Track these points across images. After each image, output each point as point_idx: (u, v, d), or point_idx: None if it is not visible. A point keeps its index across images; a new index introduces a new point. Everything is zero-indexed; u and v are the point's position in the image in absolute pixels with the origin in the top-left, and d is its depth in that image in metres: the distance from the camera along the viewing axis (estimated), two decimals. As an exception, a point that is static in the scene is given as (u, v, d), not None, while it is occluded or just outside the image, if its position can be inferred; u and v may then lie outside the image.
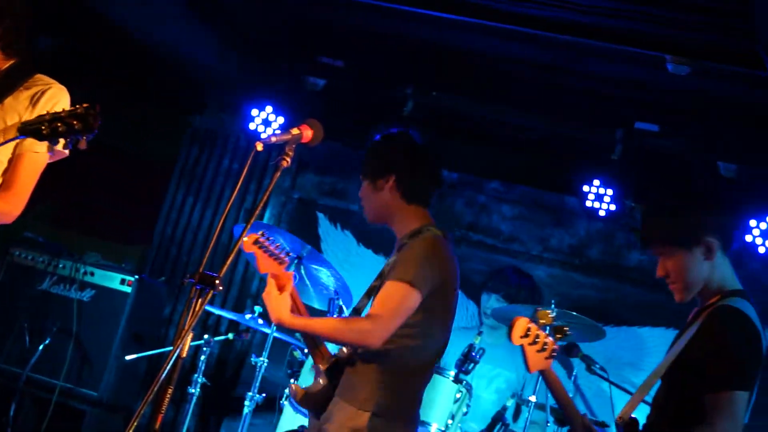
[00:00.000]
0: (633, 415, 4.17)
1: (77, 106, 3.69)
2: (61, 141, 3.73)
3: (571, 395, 6.57)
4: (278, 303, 4.31)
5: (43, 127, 3.68)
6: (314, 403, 4.65)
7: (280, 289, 4.36)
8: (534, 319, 4.42)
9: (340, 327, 4.45)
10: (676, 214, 4.27)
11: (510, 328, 4.42)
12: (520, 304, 7.08)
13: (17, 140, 4.06)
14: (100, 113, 3.70)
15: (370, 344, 4.35)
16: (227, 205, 4.23)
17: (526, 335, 4.35)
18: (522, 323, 4.36)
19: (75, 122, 3.65)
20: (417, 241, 4.57)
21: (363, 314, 4.59)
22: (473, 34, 6.95)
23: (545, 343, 4.36)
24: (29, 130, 3.73)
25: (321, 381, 4.62)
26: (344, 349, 4.59)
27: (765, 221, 7.06)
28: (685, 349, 4.09)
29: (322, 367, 4.63)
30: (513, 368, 7.31)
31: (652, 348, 7.74)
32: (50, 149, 4.26)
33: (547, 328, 4.43)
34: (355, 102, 8.04)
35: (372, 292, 4.63)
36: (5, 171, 4.27)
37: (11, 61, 4.34)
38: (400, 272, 4.46)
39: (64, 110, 3.71)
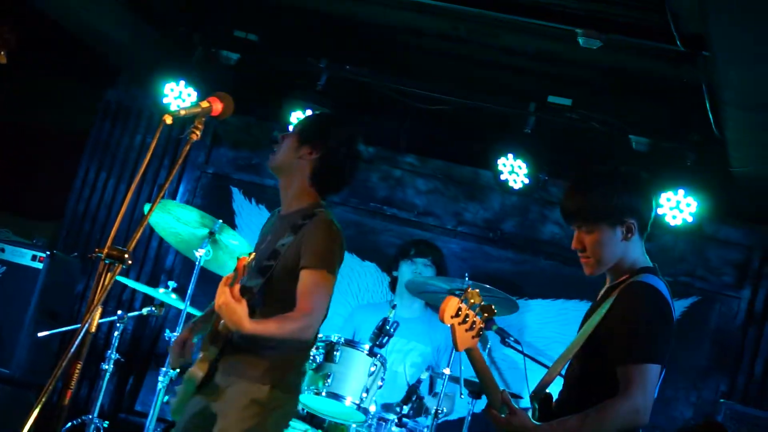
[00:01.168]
0: (547, 391, 4.20)
1: None
2: None
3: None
4: (241, 311, 4.31)
5: None
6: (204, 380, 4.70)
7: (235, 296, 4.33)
8: (464, 299, 4.43)
9: (287, 327, 4.49)
10: (605, 194, 4.29)
11: (442, 307, 4.44)
12: (433, 278, 7.09)
13: None
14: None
15: (307, 338, 4.56)
16: (137, 178, 4.17)
17: (457, 315, 4.35)
18: (453, 303, 4.35)
19: None
20: (319, 224, 4.67)
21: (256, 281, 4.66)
22: (385, 8, 6.95)
23: (473, 322, 4.37)
24: None
25: (207, 358, 4.69)
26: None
27: (675, 193, 7.14)
28: (599, 324, 4.12)
29: (213, 347, 4.67)
30: (428, 341, 7.33)
31: (567, 320, 7.80)
32: None
33: (476, 306, 4.44)
34: (270, 76, 7.99)
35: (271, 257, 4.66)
36: None
37: None
38: (317, 260, 4.59)
39: None
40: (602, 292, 4.32)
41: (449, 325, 4.32)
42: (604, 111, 7.36)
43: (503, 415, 4.24)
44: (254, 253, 4.48)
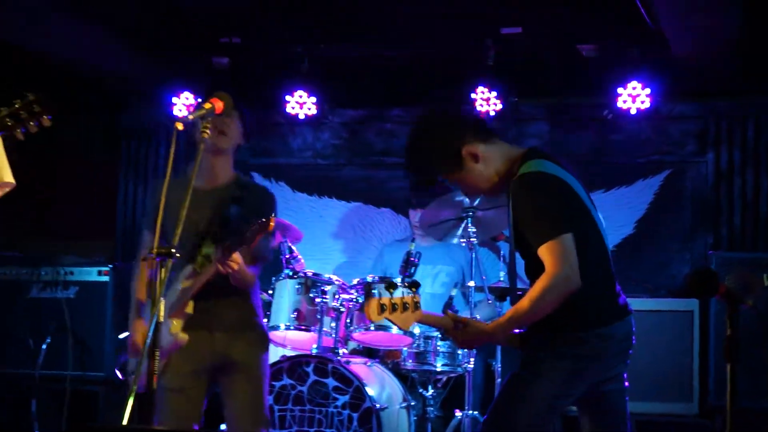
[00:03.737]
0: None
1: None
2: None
3: (504, 275, 6.68)
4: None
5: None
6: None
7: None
8: (380, 293, 4.37)
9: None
10: (429, 156, 4.19)
11: (366, 314, 4.27)
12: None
13: None
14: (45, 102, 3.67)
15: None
16: (165, 182, 4.13)
17: (383, 310, 4.20)
18: (372, 305, 4.14)
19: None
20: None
21: None
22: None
23: (405, 302, 4.21)
24: None
25: None
26: None
27: (626, 86, 7.13)
28: (512, 224, 4.06)
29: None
30: (450, 262, 7.31)
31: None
32: None
33: (400, 290, 4.34)
34: (259, 69, 7.94)
35: None
36: None
37: None
38: None
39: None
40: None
41: (385, 320, 4.14)
42: (551, 30, 7.29)
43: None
44: None
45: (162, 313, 3.87)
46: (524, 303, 3.90)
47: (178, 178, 4.53)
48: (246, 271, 4.67)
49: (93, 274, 7.54)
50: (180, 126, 4.08)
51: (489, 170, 4.10)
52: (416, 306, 4.12)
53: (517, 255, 4.14)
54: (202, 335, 4.70)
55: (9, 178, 4.12)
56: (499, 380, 6.47)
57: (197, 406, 4.84)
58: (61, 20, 7.22)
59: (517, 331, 4.07)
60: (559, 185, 4.01)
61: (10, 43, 7.10)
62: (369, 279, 6.44)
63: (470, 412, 6.38)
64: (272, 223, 4.51)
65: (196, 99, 7.71)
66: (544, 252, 3.88)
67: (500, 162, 4.10)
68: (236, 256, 4.56)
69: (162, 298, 3.84)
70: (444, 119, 4.24)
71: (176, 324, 4.67)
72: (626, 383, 4.16)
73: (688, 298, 6.87)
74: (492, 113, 7.48)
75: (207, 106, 4.27)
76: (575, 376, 3.99)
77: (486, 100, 7.44)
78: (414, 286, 4.27)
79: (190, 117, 4.21)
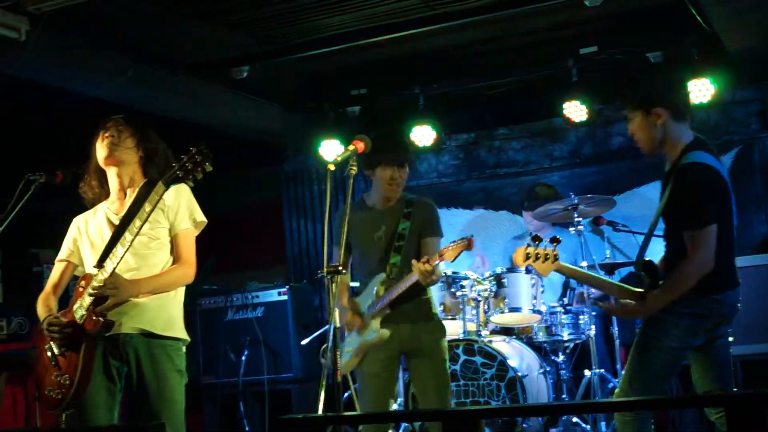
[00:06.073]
0: (646, 258, 4.23)
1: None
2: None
3: (609, 253, 6.70)
4: None
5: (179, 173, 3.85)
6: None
7: None
8: (529, 243, 4.49)
9: None
10: (636, 87, 4.32)
11: (514, 259, 4.57)
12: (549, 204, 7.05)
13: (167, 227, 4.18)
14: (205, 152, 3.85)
15: None
16: (326, 215, 4.32)
17: (527, 258, 4.43)
18: (519, 252, 4.46)
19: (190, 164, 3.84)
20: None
21: None
22: (437, 37, 6.99)
23: (546, 254, 4.41)
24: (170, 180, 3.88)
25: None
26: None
27: (695, 81, 7.10)
28: (666, 204, 4.16)
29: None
30: (563, 249, 7.34)
31: (649, 202, 7.75)
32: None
33: (544, 243, 4.48)
34: (386, 113, 8.10)
35: None
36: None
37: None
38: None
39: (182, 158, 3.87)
40: (666, 172, 4.31)
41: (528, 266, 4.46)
42: (621, 44, 7.29)
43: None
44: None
45: (338, 319, 4.05)
46: (675, 283, 4.06)
47: (356, 203, 4.95)
48: (439, 275, 4.90)
49: (274, 295, 7.70)
50: (332, 167, 4.20)
51: (658, 135, 4.21)
52: (555, 258, 4.38)
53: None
54: (391, 328, 4.87)
55: (202, 217, 4.28)
56: (617, 341, 6.53)
57: (391, 385, 4.98)
58: (232, 98, 7.58)
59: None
60: (715, 178, 4.14)
61: (192, 121, 7.43)
62: (498, 270, 6.58)
63: (597, 370, 6.45)
64: (472, 243, 4.71)
65: (339, 142, 7.87)
66: (691, 238, 4.04)
67: (670, 138, 4.21)
68: (437, 266, 4.74)
69: (336, 308, 4.02)
70: (676, 82, 4.53)
71: (376, 321, 4.88)
72: (731, 338, 4.26)
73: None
74: (581, 120, 7.51)
75: (350, 147, 4.40)
76: (693, 331, 4.14)
77: (575, 110, 7.47)
78: (555, 241, 4.45)
79: (338, 158, 4.33)
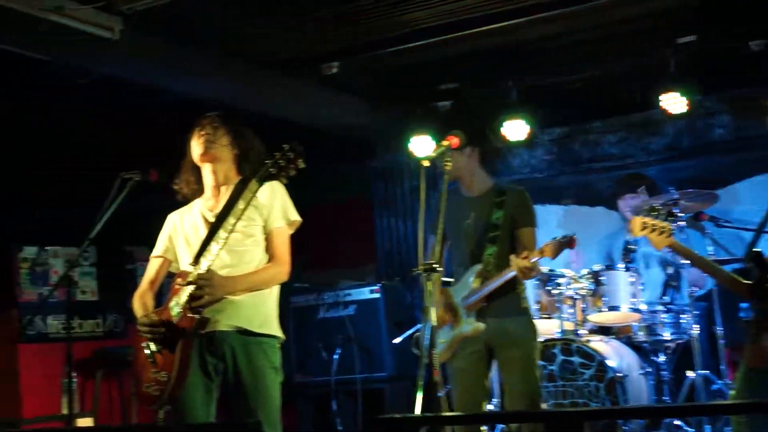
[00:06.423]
0: (755, 249, 4.10)
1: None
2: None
3: (712, 249, 6.50)
4: None
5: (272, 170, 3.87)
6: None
7: None
8: (646, 214, 4.43)
9: None
10: None
11: (630, 227, 4.50)
12: (647, 199, 6.91)
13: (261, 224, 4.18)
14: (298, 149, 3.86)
15: None
16: (420, 212, 4.26)
17: (644, 228, 4.36)
18: (637, 221, 4.43)
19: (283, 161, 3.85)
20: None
21: None
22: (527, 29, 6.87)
23: (662, 228, 4.35)
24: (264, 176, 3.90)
25: None
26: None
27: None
28: None
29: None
30: (661, 244, 7.18)
31: (752, 196, 7.51)
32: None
33: (659, 216, 4.41)
34: (477, 106, 8.02)
35: None
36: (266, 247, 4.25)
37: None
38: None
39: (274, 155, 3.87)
40: None
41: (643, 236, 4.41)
42: (720, 33, 7.08)
43: None
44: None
45: (434, 318, 4.01)
46: None
47: (451, 191, 4.85)
48: (539, 271, 4.83)
49: (366, 293, 7.74)
50: (426, 163, 4.19)
51: None
52: (670, 233, 4.33)
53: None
54: (480, 321, 4.84)
55: (295, 216, 4.30)
56: (722, 341, 6.33)
57: (482, 383, 4.95)
58: (321, 94, 7.59)
59: None
60: None
61: (281, 118, 7.43)
62: (595, 268, 6.44)
63: (701, 371, 6.28)
64: (575, 241, 4.64)
65: (430, 137, 7.82)
66: None
67: None
68: (536, 262, 4.69)
69: (432, 306, 3.98)
70: None
71: (471, 314, 4.83)
72: None
73: None
74: (680, 111, 7.32)
75: (444, 143, 4.37)
76: None
77: (673, 102, 7.29)
78: (671, 216, 4.39)
79: (433, 154, 4.31)
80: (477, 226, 4.90)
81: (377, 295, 7.70)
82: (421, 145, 7.77)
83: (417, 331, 6.86)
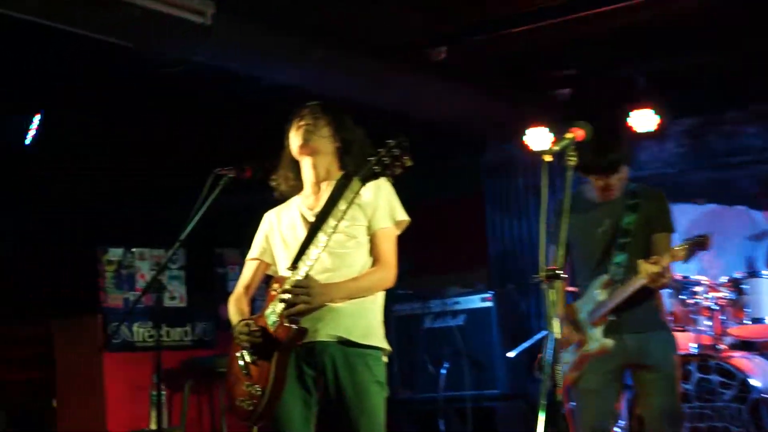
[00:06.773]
0: None
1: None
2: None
3: None
4: None
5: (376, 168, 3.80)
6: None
7: None
8: None
9: None
10: None
11: None
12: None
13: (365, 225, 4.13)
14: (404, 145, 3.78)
15: None
16: (541, 213, 4.15)
17: None
18: None
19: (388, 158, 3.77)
20: None
21: None
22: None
23: None
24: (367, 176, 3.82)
25: None
26: None
27: None
28: None
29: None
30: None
31: None
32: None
33: None
34: (601, 93, 7.88)
35: None
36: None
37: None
38: None
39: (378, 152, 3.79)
40: None
41: None
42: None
43: None
44: None
45: (557, 330, 3.91)
46: None
47: (574, 194, 4.73)
48: (670, 277, 4.64)
49: (477, 301, 7.73)
50: (549, 158, 4.04)
51: None
52: None
53: None
54: (614, 338, 4.67)
55: (403, 216, 4.18)
56: None
57: (612, 404, 4.78)
58: (427, 82, 7.56)
59: None
60: None
61: (382, 107, 7.44)
62: (736, 275, 6.26)
63: None
64: (709, 241, 4.49)
65: (546, 129, 7.72)
66: None
67: None
68: (667, 267, 4.55)
69: (555, 317, 3.88)
70: None
71: (598, 330, 4.70)
72: None
73: None
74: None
75: (568, 135, 4.24)
76: None
77: None
78: None
79: (556, 147, 4.19)
80: (609, 233, 4.78)
81: (489, 304, 7.65)
82: (538, 138, 7.69)
83: (535, 344, 6.79)
